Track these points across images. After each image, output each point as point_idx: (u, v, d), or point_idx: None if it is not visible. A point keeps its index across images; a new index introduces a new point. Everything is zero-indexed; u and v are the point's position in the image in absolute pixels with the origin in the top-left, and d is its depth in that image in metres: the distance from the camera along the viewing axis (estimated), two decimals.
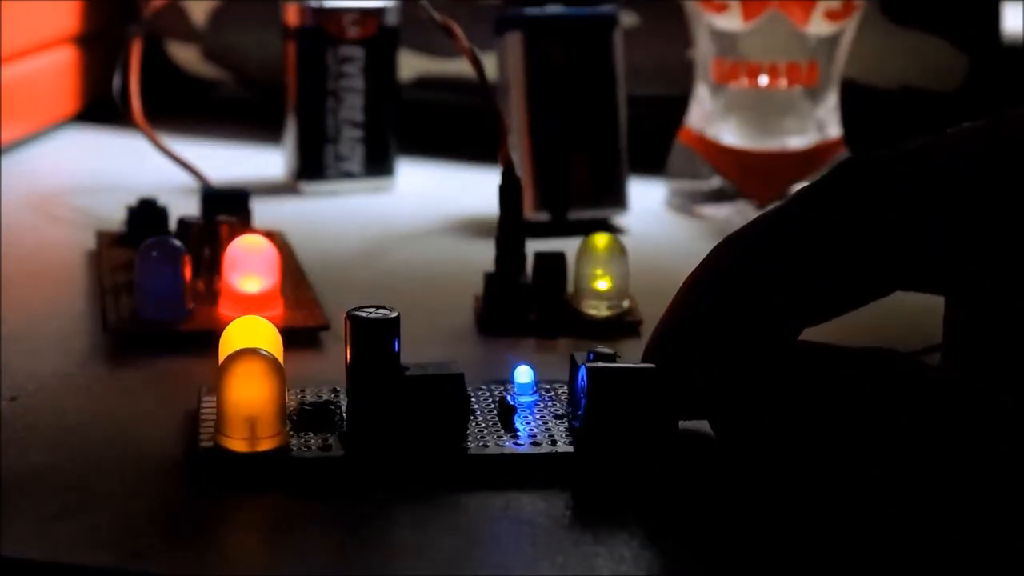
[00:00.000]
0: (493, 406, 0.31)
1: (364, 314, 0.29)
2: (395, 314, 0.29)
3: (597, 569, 0.26)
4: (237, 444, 0.28)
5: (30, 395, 0.33)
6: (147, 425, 0.32)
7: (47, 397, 0.33)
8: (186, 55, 0.61)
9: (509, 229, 0.41)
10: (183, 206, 0.45)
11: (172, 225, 0.43)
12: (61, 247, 0.44)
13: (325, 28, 0.51)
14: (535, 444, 0.30)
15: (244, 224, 0.42)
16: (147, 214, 0.43)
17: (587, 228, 0.43)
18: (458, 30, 0.46)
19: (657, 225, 0.50)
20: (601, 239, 0.39)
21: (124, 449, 0.30)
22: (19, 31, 0.55)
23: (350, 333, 0.29)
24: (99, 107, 0.60)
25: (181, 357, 0.36)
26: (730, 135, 0.50)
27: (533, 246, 0.41)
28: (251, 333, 0.31)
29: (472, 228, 0.48)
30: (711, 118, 0.50)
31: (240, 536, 0.27)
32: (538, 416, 0.31)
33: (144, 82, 0.50)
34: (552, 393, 0.32)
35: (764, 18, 0.49)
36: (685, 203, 0.51)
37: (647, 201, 0.51)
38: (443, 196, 0.52)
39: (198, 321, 0.37)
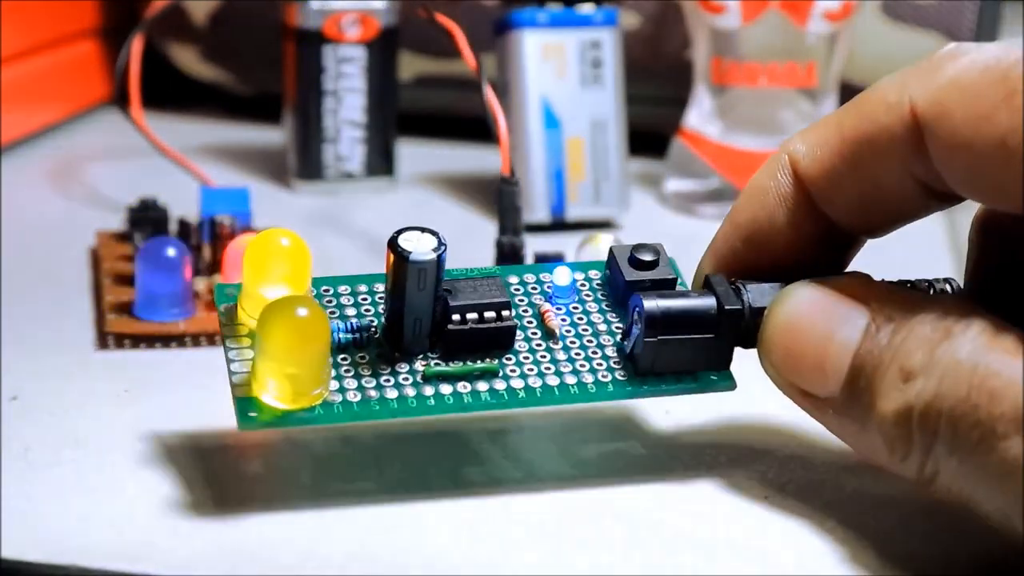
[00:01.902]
0: (534, 316, 0.30)
1: (408, 247, 0.27)
2: (440, 252, 0.28)
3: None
4: (278, 399, 0.27)
5: (30, 395, 0.33)
6: (148, 425, 0.32)
7: (47, 397, 0.33)
8: (186, 56, 0.61)
9: (509, 229, 0.41)
10: (183, 206, 0.45)
11: (172, 225, 0.43)
12: (61, 246, 0.44)
13: (325, 29, 0.51)
14: (581, 387, 0.29)
15: (244, 224, 0.42)
16: (147, 213, 0.43)
17: (587, 228, 0.43)
18: (458, 31, 0.46)
19: (657, 225, 0.50)
20: (600, 239, 0.39)
21: (125, 449, 0.30)
22: (20, 29, 0.55)
23: (394, 267, 0.28)
24: (107, 105, 0.61)
25: (181, 357, 0.36)
26: (729, 135, 0.50)
27: (533, 246, 0.41)
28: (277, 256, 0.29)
29: (472, 228, 0.48)
30: (710, 118, 0.51)
31: (245, 536, 0.27)
32: (581, 335, 0.30)
33: (144, 82, 0.50)
34: (588, 287, 0.31)
35: (763, 18, 0.49)
36: (684, 203, 0.51)
37: (647, 201, 0.51)
38: (443, 196, 0.52)
39: (198, 321, 0.37)
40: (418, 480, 0.29)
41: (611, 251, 0.30)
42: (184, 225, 0.42)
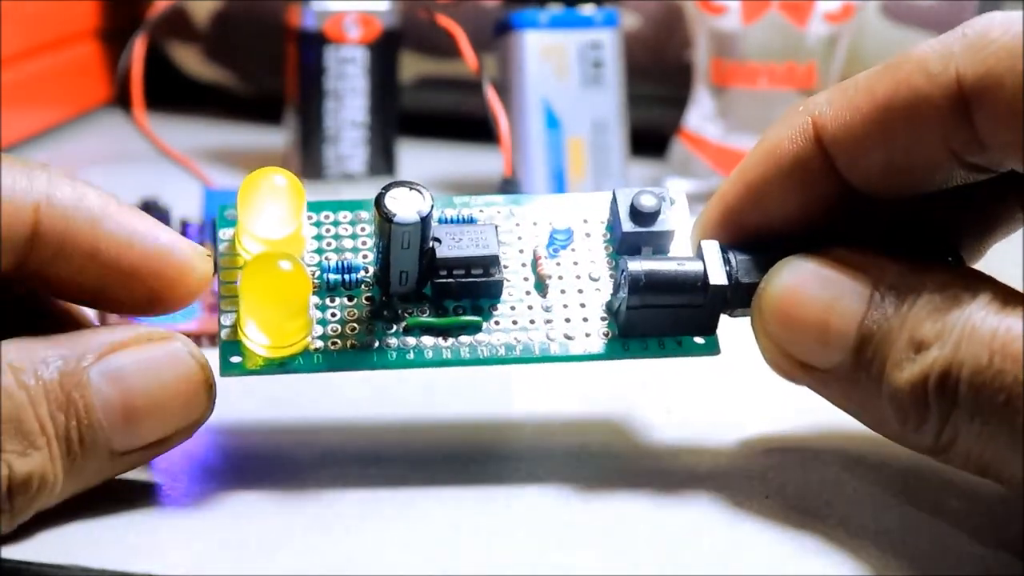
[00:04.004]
0: (529, 260, 0.30)
1: (393, 208, 0.27)
2: (425, 214, 0.27)
3: None
4: (261, 347, 0.28)
5: None
6: None
7: None
8: (188, 56, 0.61)
9: None
10: (184, 206, 0.45)
11: (174, 226, 0.43)
12: None
13: (326, 30, 0.51)
14: (563, 347, 0.29)
15: None
16: (148, 214, 0.43)
17: None
18: (459, 32, 0.46)
19: None
20: None
21: None
22: (21, 30, 0.55)
23: (378, 226, 0.28)
24: (109, 106, 0.61)
25: None
26: (729, 136, 0.50)
27: None
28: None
29: None
30: (710, 119, 0.51)
31: (245, 536, 0.27)
32: (572, 285, 0.29)
33: (146, 83, 0.50)
34: (590, 224, 0.30)
35: (763, 19, 0.49)
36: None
37: None
38: (444, 196, 0.52)
39: (200, 321, 0.37)
40: (419, 480, 0.29)
41: (614, 195, 0.30)
42: (186, 226, 0.42)
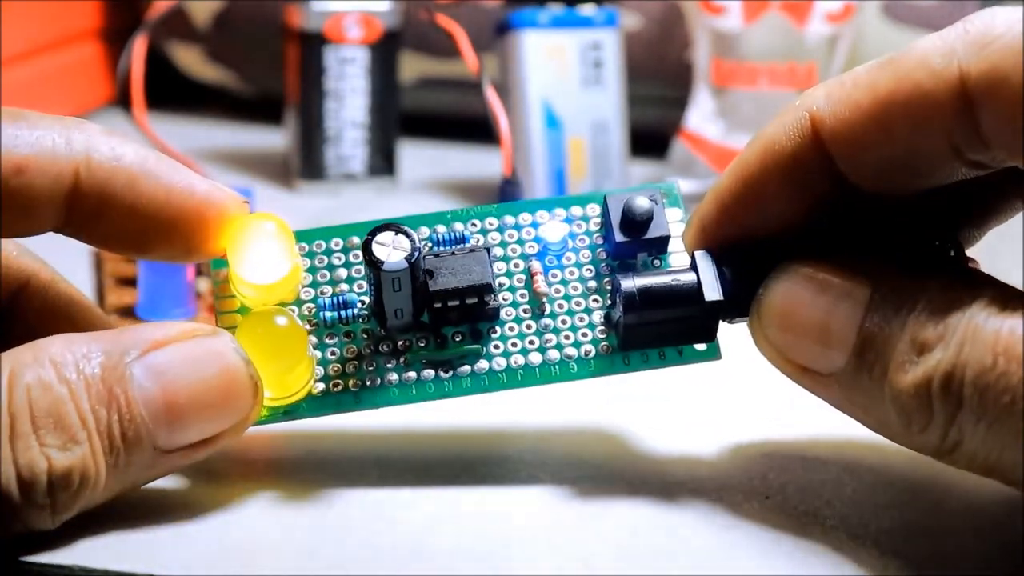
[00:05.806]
0: (524, 272, 0.30)
1: (381, 255, 0.28)
2: (413, 258, 0.28)
3: None
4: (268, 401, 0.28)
5: None
6: None
7: None
8: (188, 57, 0.61)
9: None
10: None
11: None
12: (63, 248, 0.44)
13: (326, 30, 0.51)
14: (563, 365, 0.29)
15: None
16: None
17: None
18: (459, 32, 0.46)
19: None
20: None
21: None
22: (22, 31, 0.55)
23: (367, 271, 0.28)
24: (110, 107, 0.61)
25: None
26: (730, 136, 0.50)
27: None
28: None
29: None
30: (711, 119, 0.51)
31: (245, 536, 0.27)
32: (570, 297, 0.29)
33: (147, 83, 0.50)
34: (585, 229, 0.30)
35: (764, 20, 0.49)
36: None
37: None
38: (445, 196, 0.52)
39: (200, 321, 0.37)
40: (419, 480, 0.29)
41: (605, 200, 0.29)
42: None
